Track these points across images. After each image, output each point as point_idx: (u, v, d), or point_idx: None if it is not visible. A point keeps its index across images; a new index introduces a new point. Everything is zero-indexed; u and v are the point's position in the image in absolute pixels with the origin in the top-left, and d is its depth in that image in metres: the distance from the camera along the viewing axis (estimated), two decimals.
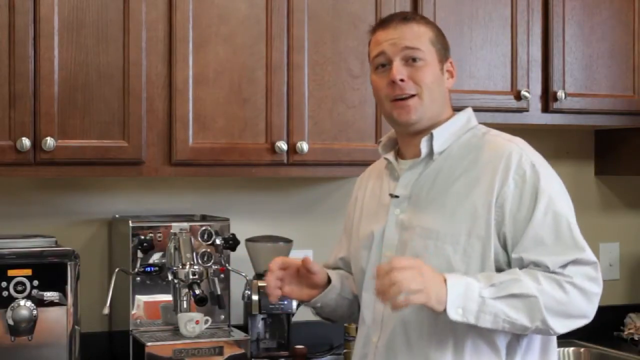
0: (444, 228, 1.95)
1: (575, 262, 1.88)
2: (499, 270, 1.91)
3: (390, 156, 2.11)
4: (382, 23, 2.07)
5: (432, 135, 2.02)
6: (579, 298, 1.87)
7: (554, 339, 2.02)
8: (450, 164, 2.01)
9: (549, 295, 1.84)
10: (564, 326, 1.88)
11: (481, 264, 1.91)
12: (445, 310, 1.80)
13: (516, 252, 1.90)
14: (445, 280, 1.82)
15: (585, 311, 1.89)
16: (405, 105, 2.00)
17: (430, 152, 2.03)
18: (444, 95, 2.06)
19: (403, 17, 2.05)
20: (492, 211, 1.91)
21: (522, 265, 1.90)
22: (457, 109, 2.11)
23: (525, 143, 2.02)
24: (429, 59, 2.01)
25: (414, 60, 2.00)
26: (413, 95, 2.00)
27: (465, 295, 1.81)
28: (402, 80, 1.99)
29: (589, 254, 1.91)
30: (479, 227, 1.92)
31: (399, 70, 1.99)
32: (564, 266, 1.87)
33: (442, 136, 2.03)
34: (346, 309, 2.20)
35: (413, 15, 2.11)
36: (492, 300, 1.82)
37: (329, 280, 2.13)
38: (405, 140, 2.09)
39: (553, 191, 1.92)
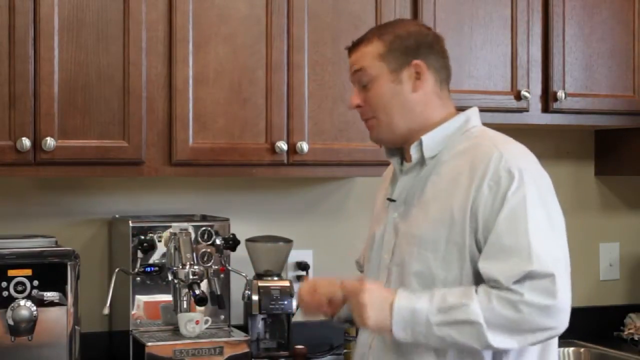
0: (426, 234, 1.95)
1: (529, 275, 1.82)
2: (480, 277, 1.90)
3: (394, 159, 2.12)
4: (348, 50, 2.10)
5: (421, 141, 2.01)
6: (535, 314, 1.82)
7: (554, 345, 2.00)
8: (440, 169, 2.00)
9: (499, 316, 1.82)
10: (521, 342, 1.85)
11: (460, 271, 1.91)
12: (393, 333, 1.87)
13: (480, 261, 1.88)
14: (392, 305, 1.87)
15: (545, 325, 1.83)
16: (368, 126, 2.08)
17: (423, 158, 2.02)
18: (407, 105, 2.02)
19: (355, 42, 2.08)
20: (468, 217, 1.90)
21: (484, 278, 1.88)
22: (461, 109, 2.09)
23: (513, 147, 1.98)
24: (377, 76, 2.01)
25: (365, 83, 2.03)
26: (373, 117, 2.05)
27: (412, 320, 1.85)
28: (358, 106, 2.06)
29: (544, 266, 1.83)
30: (455, 234, 1.91)
31: (354, 97, 2.06)
32: (518, 281, 1.82)
33: (432, 141, 2.01)
34: None
35: (367, 34, 2.07)
36: (437, 327, 1.84)
37: None
38: (404, 146, 2.10)
39: (525, 197, 1.87)
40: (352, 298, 1.92)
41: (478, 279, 1.90)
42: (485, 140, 1.99)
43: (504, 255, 1.85)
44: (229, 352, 2.75)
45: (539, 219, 1.87)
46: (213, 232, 2.88)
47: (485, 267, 1.86)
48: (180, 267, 2.75)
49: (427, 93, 2.03)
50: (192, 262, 2.76)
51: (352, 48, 2.07)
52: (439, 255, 1.93)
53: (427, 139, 2.01)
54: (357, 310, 1.90)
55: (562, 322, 1.85)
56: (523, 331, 1.83)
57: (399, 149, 2.12)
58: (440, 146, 2.01)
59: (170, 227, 2.84)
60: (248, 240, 3.04)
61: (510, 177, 1.88)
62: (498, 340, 1.83)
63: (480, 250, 1.90)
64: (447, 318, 1.84)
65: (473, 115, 2.07)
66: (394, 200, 2.07)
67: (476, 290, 1.86)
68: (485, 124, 2.11)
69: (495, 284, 1.85)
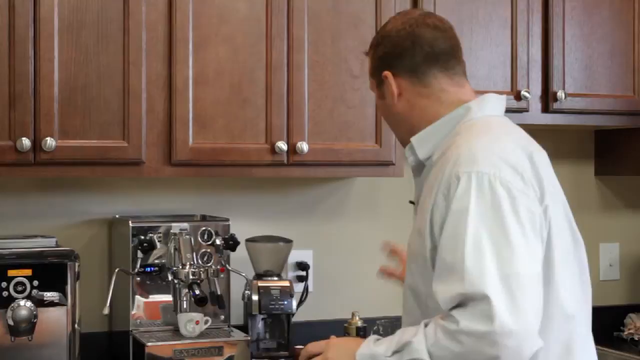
0: (411, 246, 1.87)
1: (463, 297, 1.65)
2: None
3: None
4: None
5: (411, 143, 1.92)
6: (478, 344, 1.63)
7: (578, 348, 1.86)
8: (429, 173, 1.87)
9: (445, 349, 1.66)
10: None
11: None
12: None
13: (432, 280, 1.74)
14: (355, 356, 1.79)
15: (491, 355, 1.62)
16: None
17: (419, 160, 1.92)
18: (398, 116, 1.95)
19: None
20: (428, 230, 1.76)
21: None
22: None
23: (479, 145, 1.77)
24: (374, 92, 2.02)
25: None
26: None
27: None
28: None
29: (477, 286, 1.63)
30: (424, 248, 1.78)
31: None
32: (457, 305, 1.66)
33: (421, 142, 1.90)
34: None
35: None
36: None
37: None
38: None
39: (467, 207, 1.68)
40: (320, 357, 1.89)
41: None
42: (461, 138, 1.82)
43: (443, 273, 1.70)
44: (228, 352, 2.75)
45: (480, 232, 1.66)
46: (213, 232, 2.88)
47: (433, 287, 1.72)
48: (180, 267, 2.75)
49: (409, 98, 1.92)
50: (192, 262, 2.76)
51: None
52: (420, 269, 1.81)
53: (416, 140, 1.91)
54: None
55: (510, 349, 1.62)
56: None
57: None
58: (434, 146, 1.88)
59: (170, 227, 2.84)
60: (248, 240, 3.04)
61: (456, 183, 1.71)
62: None
63: None
64: (400, 359, 1.73)
65: (476, 105, 1.89)
66: (414, 203, 1.98)
67: (426, 323, 1.73)
68: None
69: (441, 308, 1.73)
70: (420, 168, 1.94)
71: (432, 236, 1.76)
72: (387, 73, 1.93)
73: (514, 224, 1.68)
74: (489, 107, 1.91)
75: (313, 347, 1.94)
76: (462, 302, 1.66)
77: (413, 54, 1.92)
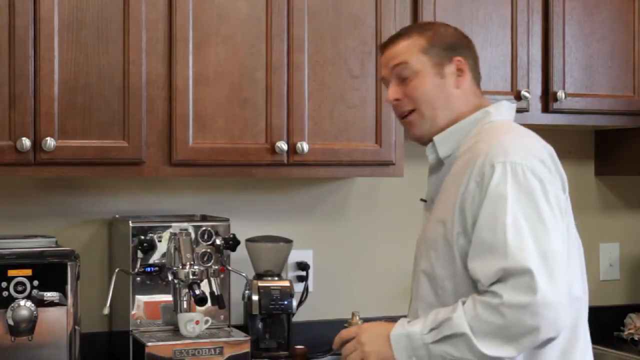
0: (430, 234, 1.96)
1: (505, 272, 1.77)
2: None
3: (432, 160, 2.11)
4: (381, 47, 2.13)
5: (433, 142, 2.02)
6: (518, 315, 1.75)
7: (577, 348, 1.98)
8: (451, 169, 1.99)
9: (486, 323, 1.78)
10: (519, 348, 1.78)
11: (454, 269, 1.90)
12: None
13: (467, 260, 1.86)
14: (389, 336, 1.88)
15: (531, 326, 1.75)
16: (407, 122, 2.06)
17: (439, 157, 2.03)
18: (449, 98, 2.02)
19: (392, 37, 2.10)
20: (456, 216, 1.88)
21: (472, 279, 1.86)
22: None
23: (509, 139, 1.92)
24: (420, 70, 2.01)
25: (407, 77, 2.02)
26: (413, 111, 2.03)
27: (411, 346, 1.86)
28: (397, 99, 2.04)
29: (520, 261, 1.76)
30: (448, 232, 1.90)
31: (393, 90, 2.05)
32: (498, 280, 1.78)
33: (444, 141, 2.01)
34: None
35: (405, 30, 2.10)
36: (434, 345, 1.83)
37: None
38: None
39: (506, 191, 1.82)
40: (353, 341, 1.94)
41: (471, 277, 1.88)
42: (486, 135, 1.96)
43: (483, 252, 1.82)
44: (229, 352, 2.75)
45: (518, 214, 1.81)
46: (213, 232, 2.87)
47: (470, 266, 1.85)
48: (180, 267, 2.75)
49: (466, 90, 2.04)
50: (192, 262, 2.76)
51: (389, 43, 2.08)
52: (439, 254, 1.92)
53: (439, 138, 2.01)
54: (360, 350, 1.92)
55: (548, 319, 1.75)
56: (516, 336, 1.77)
57: None
58: (454, 145, 2.01)
59: (170, 227, 2.84)
60: (248, 240, 3.04)
61: (492, 171, 1.84)
62: (492, 349, 1.78)
63: None
64: (439, 335, 1.83)
65: (494, 109, 2.04)
66: (425, 201, 2.09)
67: (464, 301, 1.84)
68: None
69: (480, 285, 1.83)
70: (439, 166, 2.04)
71: (463, 221, 1.87)
72: (461, 59, 2.04)
73: (546, 207, 1.84)
74: (504, 112, 2.06)
75: (346, 332, 2.00)
76: (502, 277, 1.78)
77: (472, 52, 2.10)
